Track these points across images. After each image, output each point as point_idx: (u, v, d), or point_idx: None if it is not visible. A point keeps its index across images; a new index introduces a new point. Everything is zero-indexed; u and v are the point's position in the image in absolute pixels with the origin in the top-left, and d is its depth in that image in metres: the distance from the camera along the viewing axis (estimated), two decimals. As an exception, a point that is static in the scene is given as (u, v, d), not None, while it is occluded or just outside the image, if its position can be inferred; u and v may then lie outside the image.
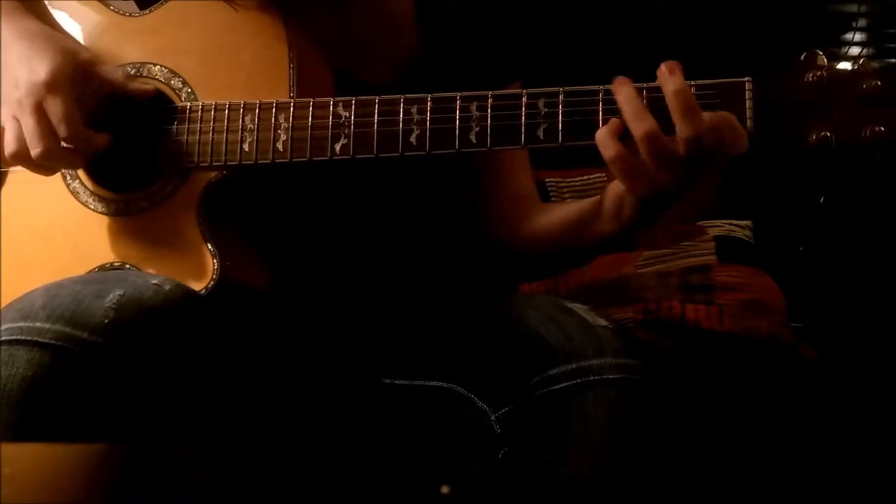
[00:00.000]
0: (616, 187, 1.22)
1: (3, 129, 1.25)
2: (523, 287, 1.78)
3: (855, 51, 2.30)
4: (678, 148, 1.14)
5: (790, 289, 1.96)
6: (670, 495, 1.17)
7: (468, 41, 1.41)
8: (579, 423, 1.15)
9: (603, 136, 1.16)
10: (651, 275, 1.97)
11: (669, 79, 1.15)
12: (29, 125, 1.21)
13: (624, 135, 1.16)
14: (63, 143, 1.22)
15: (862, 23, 2.32)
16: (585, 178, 2.08)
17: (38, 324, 1.10)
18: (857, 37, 2.31)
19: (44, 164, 1.24)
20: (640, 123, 1.15)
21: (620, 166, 1.16)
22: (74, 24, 1.35)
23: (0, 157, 1.27)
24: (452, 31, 1.41)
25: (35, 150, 1.21)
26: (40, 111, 1.20)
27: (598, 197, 1.28)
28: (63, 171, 1.31)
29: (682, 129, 1.14)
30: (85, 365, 1.09)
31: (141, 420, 1.13)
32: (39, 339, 1.09)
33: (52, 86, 1.20)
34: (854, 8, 2.30)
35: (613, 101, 1.17)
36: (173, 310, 1.18)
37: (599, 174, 2.05)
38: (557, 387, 1.16)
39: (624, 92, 1.16)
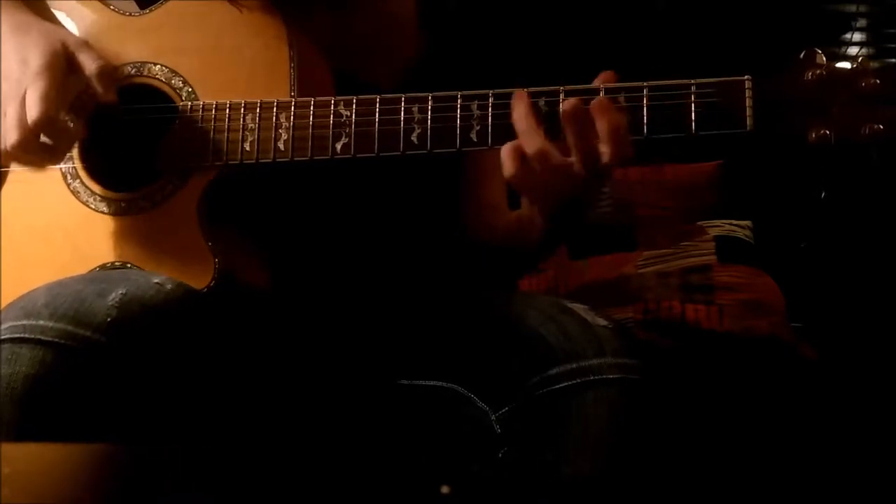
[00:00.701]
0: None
1: None
2: (523, 287, 1.79)
3: (855, 51, 2.30)
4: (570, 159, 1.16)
5: (790, 289, 1.96)
6: (670, 495, 1.17)
7: (470, 42, 1.41)
8: (579, 423, 1.15)
9: (504, 154, 1.18)
10: (651, 275, 1.97)
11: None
12: (9, 115, 1.20)
13: None
14: (41, 136, 1.20)
15: (862, 23, 2.32)
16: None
17: (40, 322, 1.10)
18: (857, 37, 2.32)
19: (21, 157, 1.22)
20: (530, 141, 1.16)
21: (516, 183, 1.19)
22: (74, 23, 1.34)
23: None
24: (454, 32, 1.41)
25: (9, 140, 1.19)
26: (22, 101, 1.19)
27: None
28: (63, 170, 1.31)
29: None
30: (87, 363, 1.09)
31: (143, 419, 1.13)
32: (42, 338, 1.09)
33: (38, 75, 1.20)
34: (854, 8, 2.30)
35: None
36: (175, 309, 1.18)
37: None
38: (557, 386, 1.16)
39: (517, 110, 1.18)
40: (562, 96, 1.17)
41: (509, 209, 1.45)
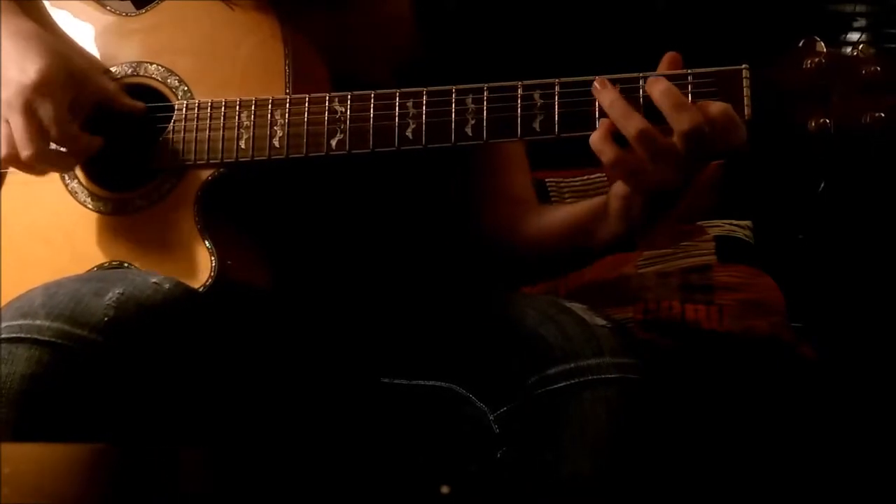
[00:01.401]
0: (621, 187, 1.22)
1: None
2: (524, 287, 1.78)
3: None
4: (674, 141, 1.14)
5: (790, 289, 1.96)
6: (669, 495, 1.17)
7: (467, 43, 1.41)
8: (577, 423, 1.15)
9: (597, 142, 1.16)
10: (651, 275, 1.96)
11: (654, 84, 1.16)
12: (18, 127, 1.21)
13: (617, 134, 1.17)
14: (54, 145, 1.22)
15: (862, 23, 2.32)
16: (585, 178, 2.08)
17: (37, 322, 1.10)
18: (857, 37, 2.31)
19: (35, 167, 1.24)
20: (629, 124, 1.15)
21: (620, 169, 1.17)
22: (71, 24, 1.35)
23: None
24: (451, 33, 1.41)
25: (25, 153, 1.21)
26: (29, 113, 1.20)
27: (603, 197, 1.28)
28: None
29: (677, 124, 1.14)
30: (84, 363, 1.09)
31: (140, 419, 1.13)
32: (39, 337, 1.09)
33: (41, 87, 1.20)
34: (854, 8, 2.29)
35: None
36: (173, 308, 1.18)
37: (600, 174, 2.05)
38: (555, 386, 1.16)
39: (607, 96, 1.16)
40: (642, 82, 1.17)
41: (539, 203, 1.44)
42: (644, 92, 1.16)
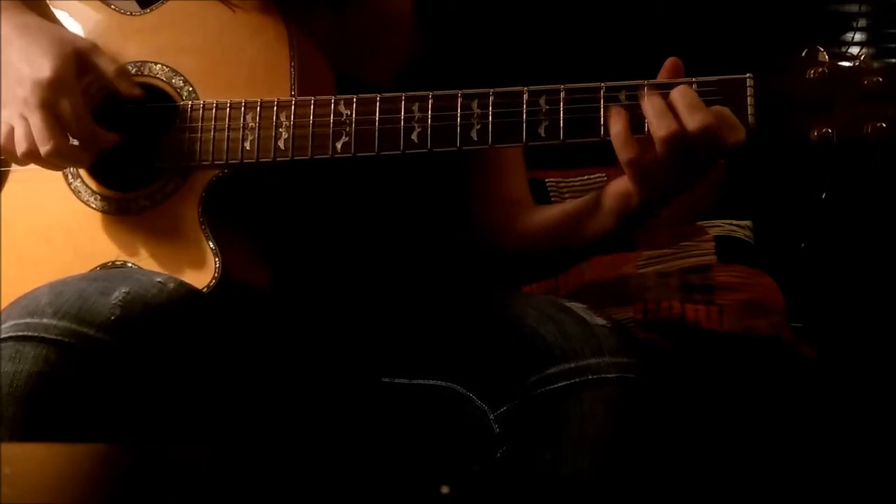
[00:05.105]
0: (621, 186, 1.23)
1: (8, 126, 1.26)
2: (523, 286, 1.78)
3: (855, 51, 2.29)
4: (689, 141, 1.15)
5: (790, 289, 1.96)
6: (669, 494, 1.17)
7: (468, 42, 1.41)
8: (577, 422, 1.15)
9: (622, 137, 1.17)
10: (651, 275, 1.97)
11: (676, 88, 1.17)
12: (37, 123, 1.21)
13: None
14: (72, 141, 1.23)
15: (862, 23, 2.32)
16: (585, 178, 2.08)
17: (44, 320, 1.10)
18: (857, 37, 2.31)
19: (53, 162, 1.25)
20: (666, 124, 1.15)
21: (638, 169, 1.17)
22: (75, 23, 1.35)
23: (4, 155, 1.28)
24: (452, 33, 1.42)
25: (44, 148, 1.22)
26: (47, 109, 1.21)
27: (594, 193, 1.29)
28: (65, 170, 1.32)
29: (690, 122, 1.14)
30: (91, 362, 1.09)
31: (146, 417, 1.14)
32: (46, 336, 1.09)
33: (58, 83, 1.21)
34: (854, 8, 2.29)
35: (615, 99, 1.18)
36: (177, 308, 1.18)
37: (599, 174, 2.05)
38: (555, 386, 1.17)
39: (643, 95, 1.17)
40: (645, 90, 1.18)
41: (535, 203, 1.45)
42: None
